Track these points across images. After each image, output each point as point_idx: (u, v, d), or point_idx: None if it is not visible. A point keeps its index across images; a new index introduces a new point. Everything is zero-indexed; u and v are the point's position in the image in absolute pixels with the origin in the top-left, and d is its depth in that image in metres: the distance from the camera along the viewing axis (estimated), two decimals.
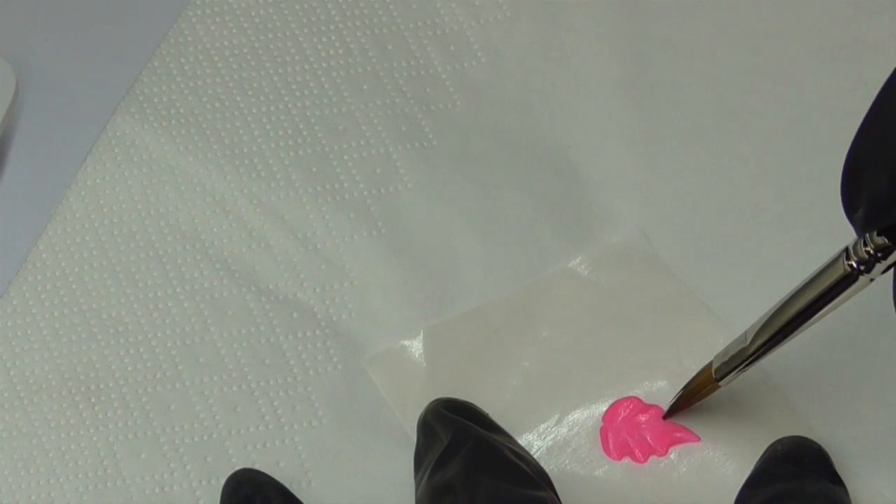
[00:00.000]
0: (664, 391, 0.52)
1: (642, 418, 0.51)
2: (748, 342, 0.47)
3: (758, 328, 0.47)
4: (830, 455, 0.49)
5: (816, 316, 0.45)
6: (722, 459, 0.51)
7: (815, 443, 0.49)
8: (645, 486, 0.50)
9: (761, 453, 0.49)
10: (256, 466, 0.52)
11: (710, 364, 0.49)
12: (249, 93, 0.59)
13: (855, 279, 0.44)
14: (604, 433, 0.51)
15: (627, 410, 0.52)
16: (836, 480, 0.48)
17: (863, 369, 0.52)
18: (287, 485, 0.51)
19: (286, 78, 0.59)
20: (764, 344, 0.47)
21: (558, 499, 0.47)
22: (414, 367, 0.53)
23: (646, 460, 0.51)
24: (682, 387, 0.50)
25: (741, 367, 0.48)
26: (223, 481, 0.51)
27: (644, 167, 0.56)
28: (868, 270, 0.43)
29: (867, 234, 0.43)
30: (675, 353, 0.52)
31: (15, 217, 0.58)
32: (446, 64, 0.59)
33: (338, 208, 0.56)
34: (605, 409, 0.52)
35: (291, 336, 0.54)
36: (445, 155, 0.57)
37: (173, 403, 0.54)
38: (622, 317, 0.54)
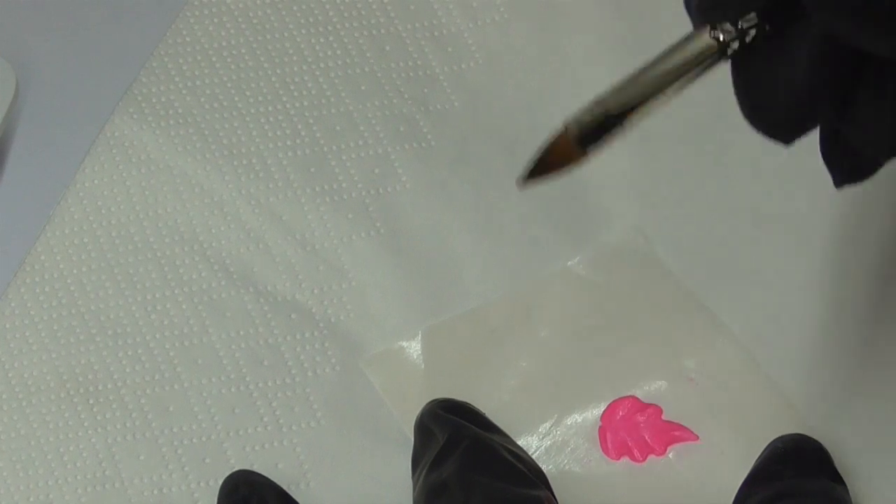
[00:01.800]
0: (662, 391, 0.52)
1: (640, 418, 0.51)
2: (605, 99, 0.43)
3: (618, 101, 0.42)
4: (830, 453, 0.49)
5: (677, 81, 0.42)
6: (721, 458, 0.51)
7: (815, 441, 0.49)
8: (643, 485, 0.51)
9: (760, 452, 0.49)
10: (255, 468, 0.52)
11: (564, 133, 0.44)
12: (247, 93, 0.59)
13: (724, 52, 0.41)
14: (602, 433, 0.52)
15: (625, 410, 0.52)
16: (837, 479, 0.48)
17: (862, 368, 0.52)
18: (286, 486, 0.51)
19: (284, 78, 0.59)
20: (625, 104, 0.42)
21: (555, 498, 0.47)
22: (412, 368, 0.53)
23: (644, 459, 0.51)
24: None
25: (604, 128, 0.43)
26: (222, 482, 0.51)
27: (642, 167, 0.56)
28: (742, 40, 0.41)
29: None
30: (673, 353, 0.52)
31: (14, 218, 0.58)
32: (444, 65, 0.59)
33: (336, 209, 0.56)
34: (603, 408, 0.52)
35: (290, 337, 0.54)
36: (443, 155, 0.57)
37: (172, 405, 0.54)
38: (620, 316, 0.54)
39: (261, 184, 0.57)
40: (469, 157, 0.57)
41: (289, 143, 0.58)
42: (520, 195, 0.56)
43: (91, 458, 0.53)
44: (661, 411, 0.52)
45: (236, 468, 0.52)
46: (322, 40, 0.60)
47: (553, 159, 0.44)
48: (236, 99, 0.59)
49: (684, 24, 0.58)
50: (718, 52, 0.42)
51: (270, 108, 0.59)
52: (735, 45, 0.41)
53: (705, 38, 0.42)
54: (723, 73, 0.51)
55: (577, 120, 0.43)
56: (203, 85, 0.59)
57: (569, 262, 0.55)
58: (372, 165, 0.57)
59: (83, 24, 0.62)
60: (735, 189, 0.55)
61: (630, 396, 0.52)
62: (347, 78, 0.59)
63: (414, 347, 0.54)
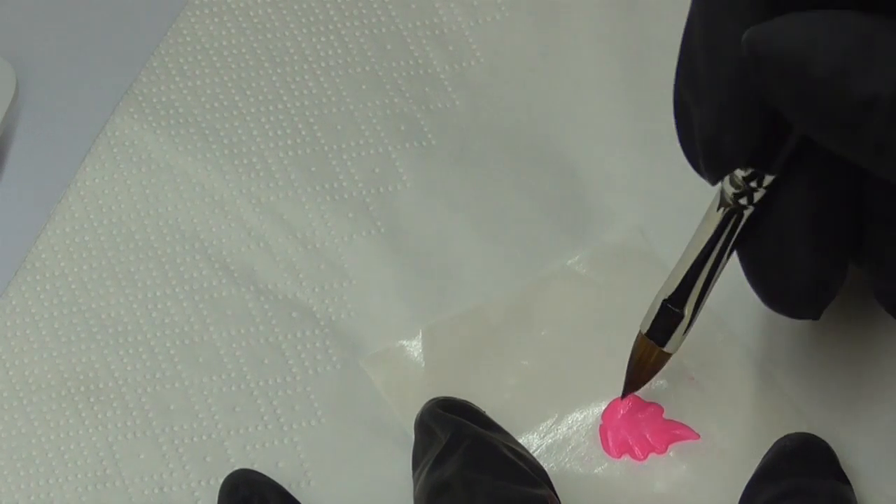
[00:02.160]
0: (663, 389, 0.52)
1: (641, 416, 0.51)
2: (683, 312, 0.47)
3: (673, 289, 0.47)
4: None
5: (725, 258, 0.46)
6: (722, 457, 0.51)
7: (823, 441, 0.49)
8: (644, 483, 0.50)
9: (761, 450, 0.49)
10: (255, 466, 0.52)
11: (642, 337, 0.49)
12: (248, 92, 0.59)
13: (741, 215, 0.44)
14: (603, 431, 0.51)
15: (626, 408, 0.52)
16: (843, 479, 0.48)
17: (865, 367, 0.52)
18: (286, 484, 0.51)
19: (285, 78, 0.59)
20: (675, 286, 0.47)
21: (557, 497, 0.47)
22: (413, 367, 0.53)
23: (645, 458, 0.51)
24: (628, 369, 0.50)
25: (668, 318, 0.48)
26: (222, 481, 0.51)
27: (643, 167, 0.56)
28: (751, 201, 0.44)
29: (729, 177, 0.44)
30: None
31: (14, 217, 0.58)
32: (445, 64, 0.59)
33: (337, 208, 0.56)
34: (604, 407, 0.52)
35: (290, 336, 0.54)
36: (444, 154, 0.57)
37: (172, 403, 0.54)
38: (621, 315, 0.53)
39: (261, 183, 0.57)
40: (470, 156, 0.57)
41: (289, 142, 0.58)
42: (520, 194, 0.56)
43: (91, 456, 0.53)
44: (661, 410, 0.52)
45: (237, 467, 0.52)
46: (323, 39, 0.60)
47: (638, 362, 0.49)
48: (237, 98, 0.59)
49: (683, 24, 0.58)
50: (736, 215, 0.44)
51: (271, 108, 0.59)
52: (745, 201, 0.43)
53: (718, 207, 0.44)
54: None
55: (646, 318, 0.48)
56: (204, 84, 0.59)
57: (569, 261, 0.55)
58: (373, 164, 0.57)
59: (83, 23, 0.62)
60: None
61: (631, 395, 0.52)
62: (348, 77, 0.59)
63: (415, 346, 0.54)
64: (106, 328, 0.55)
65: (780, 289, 0.45)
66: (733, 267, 0.54)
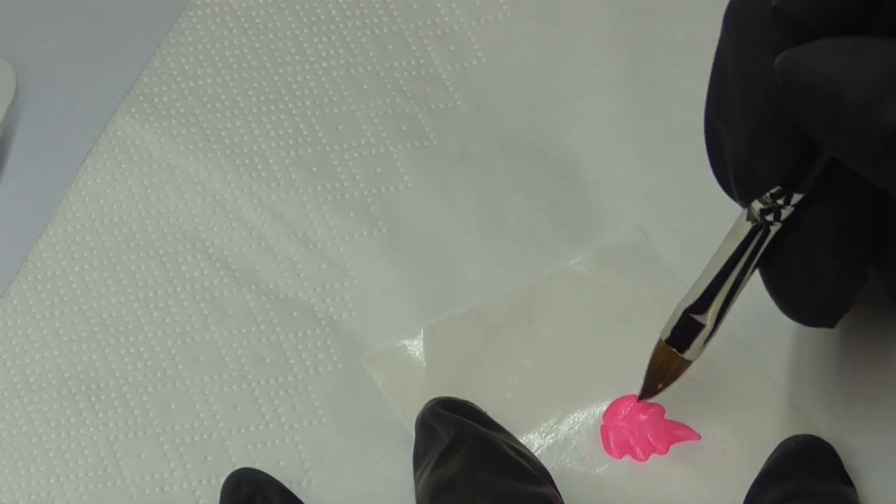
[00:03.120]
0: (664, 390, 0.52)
1: (643, 417, 0.51)
2: (705, 322, 0.48)
3: (696, 299, 0.48)
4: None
5: (750, 271, 0.46)
6: (723, 458, 0.51)
7: (826, 443, 0.49)
8: (646, 483, 0.50)
9: (762, 452, 0.49)
10: (257, 465, 0.52)
11: (662, 344, 0.49)
12: (250, 92, 0.59)
13: (767, 230, 0.45)
14: (604, 431, 0.51)
15: (628, 409, 0.52)
16: (847, 481, 0.48)
17: (868, 368, 0.52)
18: (287, 484, 0.51)
19: (286, 78, 0.59)
20: (698, 297, 0.48)
21: (559, 495, 0.47)
22: (414, 366, 0.53)
23: (647, 458, 0.51)
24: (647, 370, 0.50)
25: (688, 327, 0.48)
26: (223, 480, 0.51)
27: (644, 166, 0.56)
28: (777, 218, 0.44)
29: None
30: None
31: (15, 217, 0.58)
32: (447, 64, 0.59)
33: (338, 207, 0.56)
34: (605, 407, 0.52)
35: (292, 335, 0.54)
36: (446, 154, 0.57)
37: (173, 402, 0.54)
38: (622, 315, 0.54)
39: (263, 183, 0.57)
40: (471, 157, 0.57)
41: (291, 142, 0.58)
42: (522, 194, 0.56)
43: (92, 455, 0.53)
44: (663, 410, 0.52)
45: (238, 466, 0.52)
46: (324, 39, 0.60)
47: (658, 369, 0.50)
48: (238, 98, 0.59)
49: (687, 24, 0.58)
50: (763, 230, 0.44)
51: (272, 108, 0.59)
52: (772, 217, 0.44)
53: (746, 220, 0.45)
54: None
55: (667, 326, 0.48)
56: (205, 84, 0.59)
57: (570, 262, 0.55)
58: (374, 164, 0.57)
59: (84, 24, 0.62)
60: None
61: (633, 396, 0.52)
62: (350, 77, 0.59)
63: (416, 345, 0.54)
64: (107, 327, 0.55)
65: (801, 301, 0.46)
66: None
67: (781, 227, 0.45)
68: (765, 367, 0.52)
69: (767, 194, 0.44)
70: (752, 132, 0.42)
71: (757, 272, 0.47)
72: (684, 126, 0.56)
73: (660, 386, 0.50)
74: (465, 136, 0.58)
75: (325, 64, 0.59)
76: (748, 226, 0.45)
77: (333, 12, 0.60)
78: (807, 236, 0.44)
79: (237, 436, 0.53)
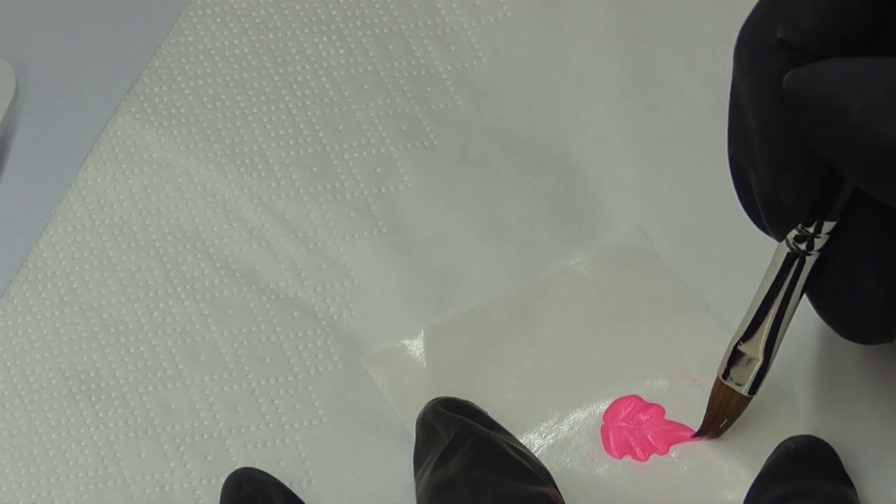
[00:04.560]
0: (665, 390, 0.52)
1: (643, 417, 0.51)
2: (756, 355, 0.48)
3: (743, 332, 0.48)
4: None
5: (793, 301, 0.47)
6: (723, 458, 0.50)
7: (826, 443, 0.49)
8: (646, 484, 0.50)
9: (762, 452, 0.49)
10: (257, 465, 0.52)
11: (719, 380, 0.49)
12: (250, 92, 0.59)
13: (804, 259, 0.45)
14: (605, 432, 0.51)
15: (628, 409, 0.52)
16: (847, 482, 0.48)
17: (866, 369, 0.52)
18: (287, 484, 0.51)
19: (287, 78, 0.59)
20: (767, 347, 0.48)
21: (560, 495, 0.47)
22: (415, 366, 0.53)
23: (647, 459, 0.51)
24: (706, 409, 0.50)
25: (755, 371, 0.49)
26: (223, 480, 0.51)
27: (644, 167, 0.56)
28: (811, 248, 0.45)
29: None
30: (675, 353, 0.52)
31: (15, 217, 0.58)
32: (447, 64, 0.59)
33: (338, 207, 0.56)
34: (605, 407, 0.52)
35: (292, 335, 0.54)
36: (446, 154, 0.57)
37: (174, 402, 0.54)
38: (622, 316, 0.54)
39: (263, 182, 0.57)
40: (472, 156, 0.57)
41: (291, 142, 0.58)
42: (522, 194, 0.56)
43: (93, 455, 0.53)
44: (663, 411, 0.52)
45: (238, 466, 0.52)
46: (325, 39, 0.60)
47: (719, 406, 0.50)
48: (239, 98, 0.59)
49: (688, 24, 0.58)
50: (799, 259, 0.44)
51: (273, 108, 0.59)
52: (805, 246, 0.44)
53: (784, 250, 0.45)
54: (723, 72, 0.51)
55: (721, 363, 0.49)
56: (205, 84, 0.59)
57: (571, 262, 0.55)
58: (374, 164, 0.57)
59: (84, 24, 0.62)
60: None
61: (633, 396, 0.52)
62: (350, 77, 0.59)
63: (416, 346, 0.54)
64: (107, 327, 0.55)
65: (853, 323, 0.46)
66: (736, 266, 0.54)
67: (823, 254, 0.45)
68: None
69: (799, 225, 0.44)
70: (772, 163, 0.42)
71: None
72: (685, 126, 0.56)
73: (722, 424, 0.50)
74: (466, 137, 0.58)
75: (325, 64, 0.59)
76: (784, 253, 0.45)
77: (334, 12, 0.60)
78: (847, 259, 0.45)
79: (237, 435, 0.53)
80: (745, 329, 0.48)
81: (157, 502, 0.52)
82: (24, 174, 0.59)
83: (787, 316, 0.47)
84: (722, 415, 0.50)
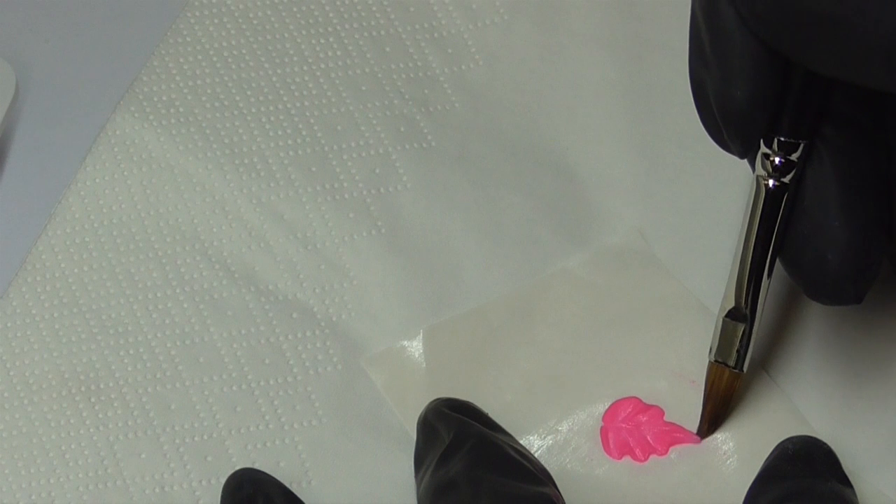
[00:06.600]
0: (664, 391, 0.52)
1: (643, 418, 0.52)
2: (740, 308, 0.48)
3: (729, 292, 0.48)
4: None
5: (771, 241, 0.47)
6: (722, 459, 0.51)
7: (824, 444, 0.49)
8: (645, 485, 0.51)
9: (762, 453, 0.49)
10: (256, 466, 0.52)
11: (710, 364, 0.50)
12: (249, 93, 0.59)
13: (783, 192, 0.45)
14: (604, 433, 0.52)
15: (628, 411, 0.52)
16: (845, 482, 0.48)
17: (866, 370, 0.52)
18: (287, 484, 0.51)
19: (285, 79, 0.59)
20: (749, 298, 0.48)
21: (561, 495, 0.47)
22: (414, 367, 0.53)
23: (646, 459, 0.51)
24: (703, 403, 0.51)
25: (730, 333, 0.48)
26: (223, 481, 0.51)
27: (642, 169, 0.56)
28: (779, 176, 0.45)
29: (764, 148, 0.45)
30: (674, 354, 0.52)
31: (14, 217, 0.58)
32: (444, 66, 0.59)
33: (337, 208, 0.57)
34: (604, 409, 0.52)
35: (291, 336, 0.55)
36: (444, 156, 0.57)
37: (173, 403, 0.54)
38: (621, 317, 0.54)
39: (262, 183, 0.57)
40: (469, 158, 0.57)
41: (290, 142, 0.58)
42: (520, 195, 0.56)
43: (92, 456, 0.53)
44: (662, 413, 0.52)
45: (238, 466, 0.52)
46: (322, 41, 0.60)
47: (710, 390, 0.50)
48: (237, 98, 0.59)
49: (684, 28, 0.58)
50: (771, 195, 0.44)
51: (271, 108, 0.59)
52: (773, 178, 0.44)
53: (754, 187, 0.46)
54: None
55: (712, 343, 0.49)
56: (204, 84, 0.59)
57: (569, 263, 0.55)
58: (373, 165, 0.57)
59: (83, 23, 0.62)
60: (734, 191, 0.55)
61: (632, 397, 0.52)
62: (348, 78, 0.59)
63: (415, 346, 0.54)
64: (106, 328, 0.55)
65: (817, 269, 0.46)
66: (730, 270, 0.54)
67: (791, 197, 0.45)
68: (764, 369, 0.52)
69: (763, 147, 0.44)
70: (725, 61, 0.43)
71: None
72: (682, 128, 0.57)
73: (719, 411, 0.50)
74: (464, 138, 0.58)
75: (323, 65, 0.59)
76: (755, 189, 0.46)
77: (331, 15, 0.60)
78: (812, 198, 0.45)
79: (237, 436, 0.53)
80: (730, 292, 0.48)
81: (157, 503, 0.52)
82: (24, 174, 0.59)
83: (767, 261, 0.47)
84: (716, 401, 0.50)
